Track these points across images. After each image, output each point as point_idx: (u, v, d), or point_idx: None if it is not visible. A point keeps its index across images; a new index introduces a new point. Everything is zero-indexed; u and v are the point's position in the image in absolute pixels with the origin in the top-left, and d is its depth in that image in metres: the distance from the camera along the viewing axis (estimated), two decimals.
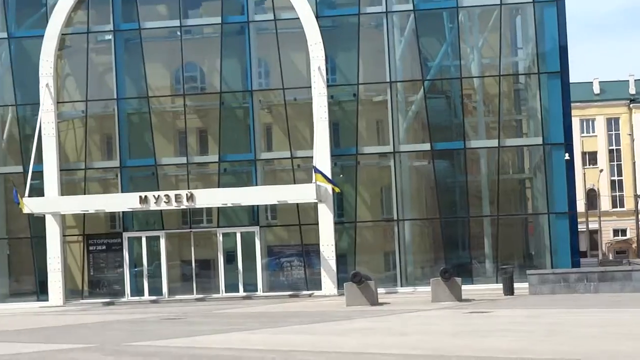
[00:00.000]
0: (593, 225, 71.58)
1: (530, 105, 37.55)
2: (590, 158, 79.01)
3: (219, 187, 36.02)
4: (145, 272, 36.46)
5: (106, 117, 37.74)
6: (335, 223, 35.18)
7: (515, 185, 38.60)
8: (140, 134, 37.43)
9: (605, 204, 77.78)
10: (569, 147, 35.54)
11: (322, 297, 33.95)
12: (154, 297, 35.91)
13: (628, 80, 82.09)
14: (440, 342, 17.06)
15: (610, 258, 68.67)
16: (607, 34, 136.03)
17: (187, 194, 33.96)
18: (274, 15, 36.30)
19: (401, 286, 35.53)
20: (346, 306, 27.79)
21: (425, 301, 28.56)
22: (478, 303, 27.40)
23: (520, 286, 30.94)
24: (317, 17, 35.56)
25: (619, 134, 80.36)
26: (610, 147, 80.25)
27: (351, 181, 36.18)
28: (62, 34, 36.78)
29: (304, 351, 16.51)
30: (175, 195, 34.04)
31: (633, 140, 78.90)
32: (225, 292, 35.83)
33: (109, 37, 37.46)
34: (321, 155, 34.40)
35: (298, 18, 35.59)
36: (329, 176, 34.00)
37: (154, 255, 36.66)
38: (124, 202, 35.06)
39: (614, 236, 78.74)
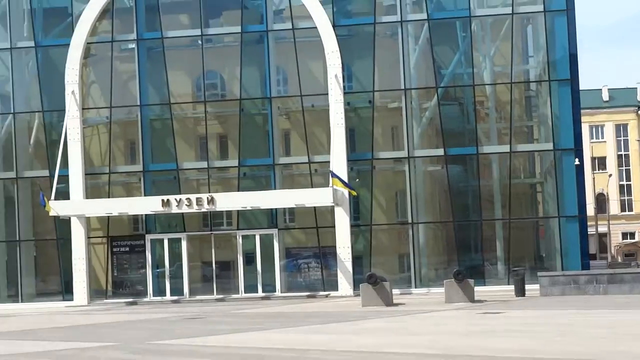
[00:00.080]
0: (602, 229, 71.35)
1: (541, 111, 37.52)
2: (600, 163, 78.81)
3: (238, 190, 36.05)
4: (167, 273, 36.56)
5: (130, 123, 37.92)
6: (352, 226, 35.29)
7: (526, 190, 38.52)
8: (163, 139, 37.52)
9: (614, 207, 77.61)
10: (578, 152, 35.59)
11: (339, 298, 34.01)
12: (175, 297, 36.00)
13: (636, 88, 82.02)
14: (454, 342, 17.00)
15: (619, 260, 67.83)
16: (615, 42, 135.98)
17: (207, 198, 34.17)
18: (292, 24, 36.45)
19: (415, 287, 35.54)
20: (362, 306, 27.82)
21: (439, 302, 28.66)
22: (490, 304, 27.42)
23: (531, 288, 30.85)
24: (334, 26, 35.67)
25: (627, 139, 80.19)
26: (619, 153, 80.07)
27: (367, 185, 36.21)
28: (87, 43, 36.98)
29: (321, 350, 16.58)
30: (197, 198, 34.20)
31: None
32: (245, 292, 35.92)
33: (133, 45, 37.59)
34: (338, 160, 34.54)
35: (315, 27, 35.72)
36: (346, 180, 34.04)
37: (175, 257, 36.76)
38: (146, 205, 35.30)
39: (623, 239, 78.28)
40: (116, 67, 37.79)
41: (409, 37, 36.69)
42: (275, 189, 36.33)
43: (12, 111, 38.16)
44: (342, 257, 35.00)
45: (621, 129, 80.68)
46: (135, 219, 37.74)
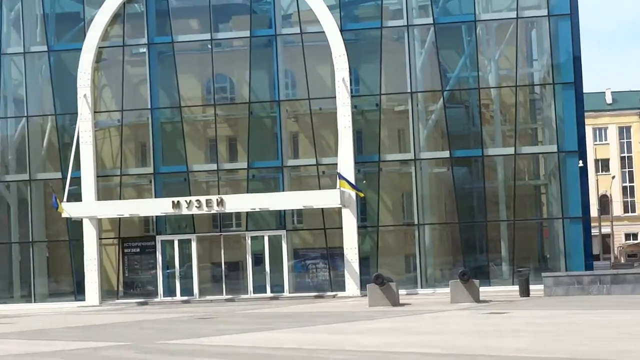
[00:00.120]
0: (605, 230, 71.53)
1: (545, 114, 37.70)
2: (603, 165, 79.11)
3: (247, 192, 36.32)
4: (177, 274, 36.80)
5: (140, 125, 38.14)
6: (359, 227, 35.53)
7: (530, 191, 38.66)
8: (173, 142, 37.75)
9: (617, 209, 77.76)
10: (582, 154, 35.78)
11: (346, 298, 34.17)
12: (185, 298, 36.25)
13: (639, 91, 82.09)
14: (460, 342, 17.03)
15: (622, 261, 67.59)
16: (619, 46, 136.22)
17: (217, 199, 34.49)
18: (300, 29, 36.69)
19: (421, 288, 35.70)
20: (369, 307, 27.95)
21: (445, 302, 28.77)
22: (495, 304, 27.54)
23: (535, 288, 31.01)
24: (341, 30, 35.94)
25: (630, 142, 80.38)
26: (622, 155, 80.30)
27: (374, 187, 36.41)
28: (99, 47, 37.33)
29: (329, 350, 16.62)
30: (206, 200, 34.51)
31: None
32: (253, 292, 36.17)
33: (144, 50, 37.77)
34: (345, 162, 34.78)
35: (323, 32, 36.02)
36: (353, 182, 34.28)
37: (185, 258, 36.99)
38: (157, 207, 35.55)
39: (626, 240, 78.39)
40: (127, 71, 38.00)
41: (415, 41, 36.94)
42: (283, 190, 36.51)
43: (25, 114, 38.44)
44: (349, 258, 35.28)
45: (624, 132, 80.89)
46: (146, 220, 37.97)
